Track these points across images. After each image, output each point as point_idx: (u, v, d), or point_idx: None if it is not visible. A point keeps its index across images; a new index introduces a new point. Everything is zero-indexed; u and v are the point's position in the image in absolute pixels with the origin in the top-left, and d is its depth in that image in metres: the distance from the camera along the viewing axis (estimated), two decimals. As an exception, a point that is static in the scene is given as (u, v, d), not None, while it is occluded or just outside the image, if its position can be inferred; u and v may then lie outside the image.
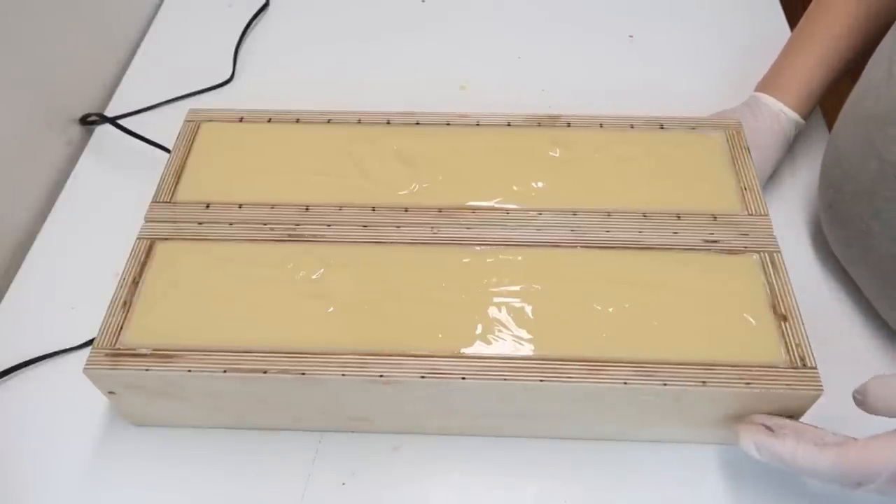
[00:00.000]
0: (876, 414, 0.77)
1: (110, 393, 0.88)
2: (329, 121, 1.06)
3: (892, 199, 0.89)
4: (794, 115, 1.11)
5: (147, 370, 0.83)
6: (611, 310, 0.87)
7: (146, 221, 0.96)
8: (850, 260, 1.02)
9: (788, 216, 1.12)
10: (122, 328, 0.86)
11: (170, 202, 0.98)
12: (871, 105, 0.93)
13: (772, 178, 1.13)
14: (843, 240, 1.01)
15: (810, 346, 0.83)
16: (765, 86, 1.16)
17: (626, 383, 0.81)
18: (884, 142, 0.89)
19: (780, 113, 1.11)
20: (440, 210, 0.96)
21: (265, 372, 0.82)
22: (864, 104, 0.95)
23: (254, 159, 1.02)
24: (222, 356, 0.84)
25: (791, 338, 0.84)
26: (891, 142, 0.88)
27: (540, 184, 0.98)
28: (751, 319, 0.86)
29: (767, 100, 1.13)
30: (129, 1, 1.45)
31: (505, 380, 0.82)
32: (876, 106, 0.91)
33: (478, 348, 0.84)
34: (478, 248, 0.92)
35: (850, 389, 0.91)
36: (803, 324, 0.85)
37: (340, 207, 0.96)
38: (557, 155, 1.01)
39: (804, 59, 1.13)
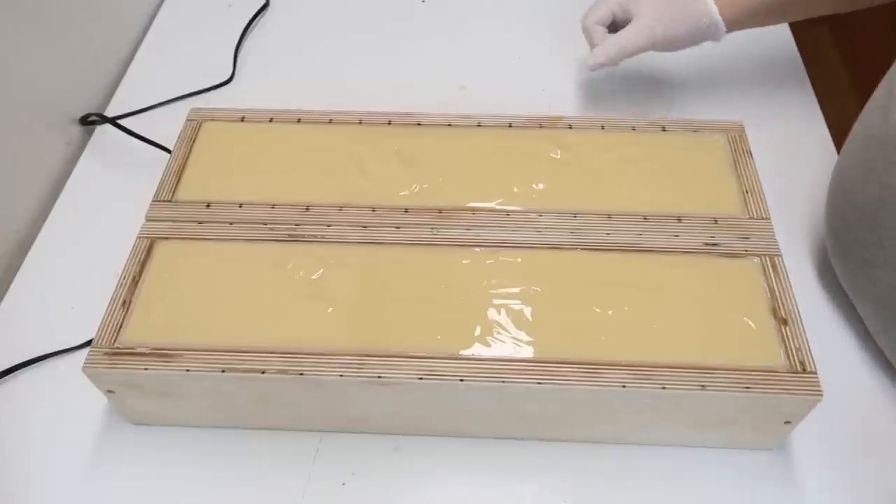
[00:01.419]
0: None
1: (109, 392, 0.88)
2: (330, 121, 1.06)
3: (894, 226, 0.89)
4: (718, 19, 1.10)
5: (146, 369, 0.83)
6: (610, 312, 0.87)
7: (147, 220, 0.96)
8: (855, 291, 1.00)
9: (789, 220, 1.12)
10: (121, 327, 0.86)
11: (170, 201, 0.98)
12: (873, 128, 0.91)
13: (773, 185, 1.11)
14: (848, 270, 1.00)
15: (810, 351, 0.83)
16: None
17: (624, 386, 0.81)
18: (885, 167, 0.88)
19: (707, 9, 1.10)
20: (440, 211, 0.96)
21: (263, 372, 0.82)
22: (867, 127, 0.93)
23: (255, 159, 1.02)
24: (221, 356, 0.84)
25: (791, 342, 0.84)
26: (891, 167, 0.87)
27: (541, 185, 0.98)
28: (751, 323, 0.85)
29: None
30: (129, 1, 1.45)
31: (503, 382, 0.82)
32: (877, 130, 0.90)
33: (476, 350, 0.84)
34: (478, 249, 0.92)
35: (850, 395, 0.91)
36: (804, 328, 0.85)
37: (340, 208, 0.96)
38: (558, 157, 1.01)
39: None
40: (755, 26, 1.14)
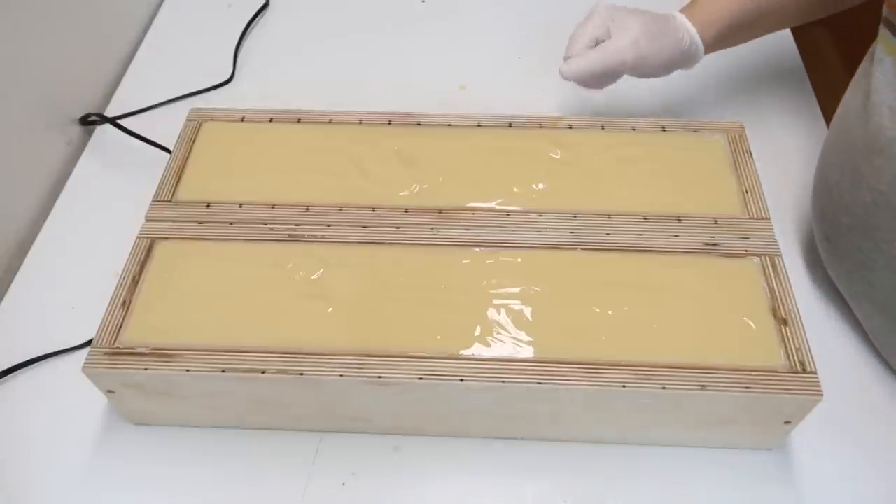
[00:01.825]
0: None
1: (109, 392, 0.88)
2: (330, 121, 1.06)
3: (892, 229, 0.88)
4: (698, 40, 1.08)
5: (146, 369, 0.83)
6: (610, 312, 0.87)
7: (147, 220, 0.96)
8: (854, 295, 1.00)
9: (789, 220, 1.12)
10: (121, 327, 0.86)
11: (170, 201, 0.98)
12: (854, 135, 0.91)
13: (772, 185, 1.11)
14: (845, 274, 1.00)
15: (810, 351, 0.83)
16: (686, 9, 1.11)
17: (624, 386, 0.81)
18: (872, 172, 0.88)
19: (689, 31, 1.08)
20: (440, 211, 0.96)
21: (263, 372, 0.82)
22: (847, 134, 0.93)
23: (255, 159, 1.02)
24: (221, 356, 0.84)
25: (791, 342, 0.83)
26: (879, 172, 0.87)
27: (541, 185, 0.98)
28: (751, 323, 0.85)
29: (683, 20, 1.08)
30: (129, 1, 1.45)
31: (503, 382, 0.82)
32: (858, 136, 0.90)
33: (476, 350, 0.84)
34: (477, 249, 0.92)
35: (850, 395, 0.91)
36: (803, 328, 0.85)
37: (341, 208, 0.96)
38: (558, 156, 1.01)
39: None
40: (724, 48, 1.13)
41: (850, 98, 0.95)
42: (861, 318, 0.99)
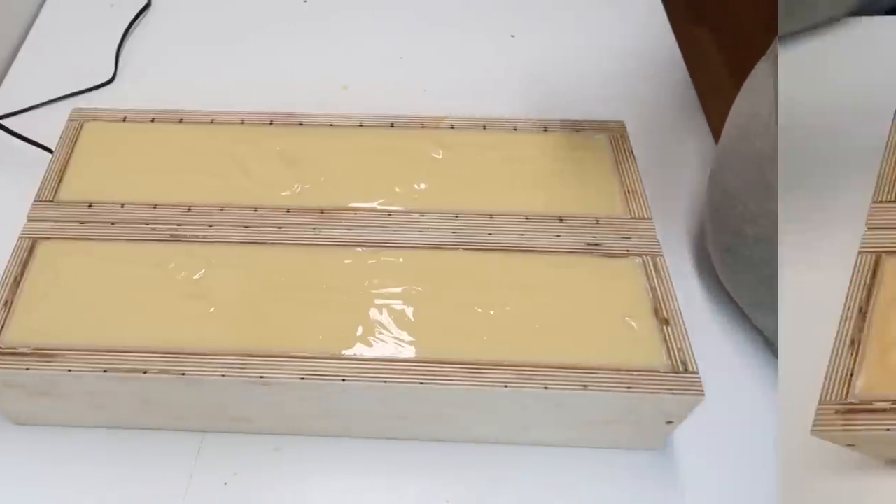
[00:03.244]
0: None
1: (-10, 392, 0.87)
2: (212, 121, 1.06)
3: None
4: None
5: (27, 369, 0.83)
6: (492, 312, 0.87)
7: (28, 220, 0.95)
8: (756, 306, 0.98)
9: (669, 219, 1.13)
10: (2, 327, 0.86)
11: (52, 201, 0.98)
12: (759, 144, 0.90)
13: (653, 185, 1.09)
14: (747, 285, 0.98)
15: (692, 351, 0.84)
16: None
17: (506, 386, 0.81)
18: None
19: None
20: (322, 211, 0.96)
21: (145, 372, 0.82)
22: (750, 143, 0.92)
23: (137, 159, 1.02)
24: (103, 356, 0.83)
25: (673, 342, 0.84)
26: None
27: (422, 185, 0.99)
28: (632, 323, 0.86)
29: None
30: (9, 1, 1.44)
31: (385, 382, 0.82)
32: (766, 145, 0.89)
33: (358, 350, 0.84)
34: (359, 249, 0.93)
35: (731, 394, 0.92)
36: (685, 328, 0.86)
37: (222, 208, 0.96)
38: (440, 157, 1.02)
39: None
40: None
41: (749, 104, 0.94)
42: (763, 327, 0.99)
